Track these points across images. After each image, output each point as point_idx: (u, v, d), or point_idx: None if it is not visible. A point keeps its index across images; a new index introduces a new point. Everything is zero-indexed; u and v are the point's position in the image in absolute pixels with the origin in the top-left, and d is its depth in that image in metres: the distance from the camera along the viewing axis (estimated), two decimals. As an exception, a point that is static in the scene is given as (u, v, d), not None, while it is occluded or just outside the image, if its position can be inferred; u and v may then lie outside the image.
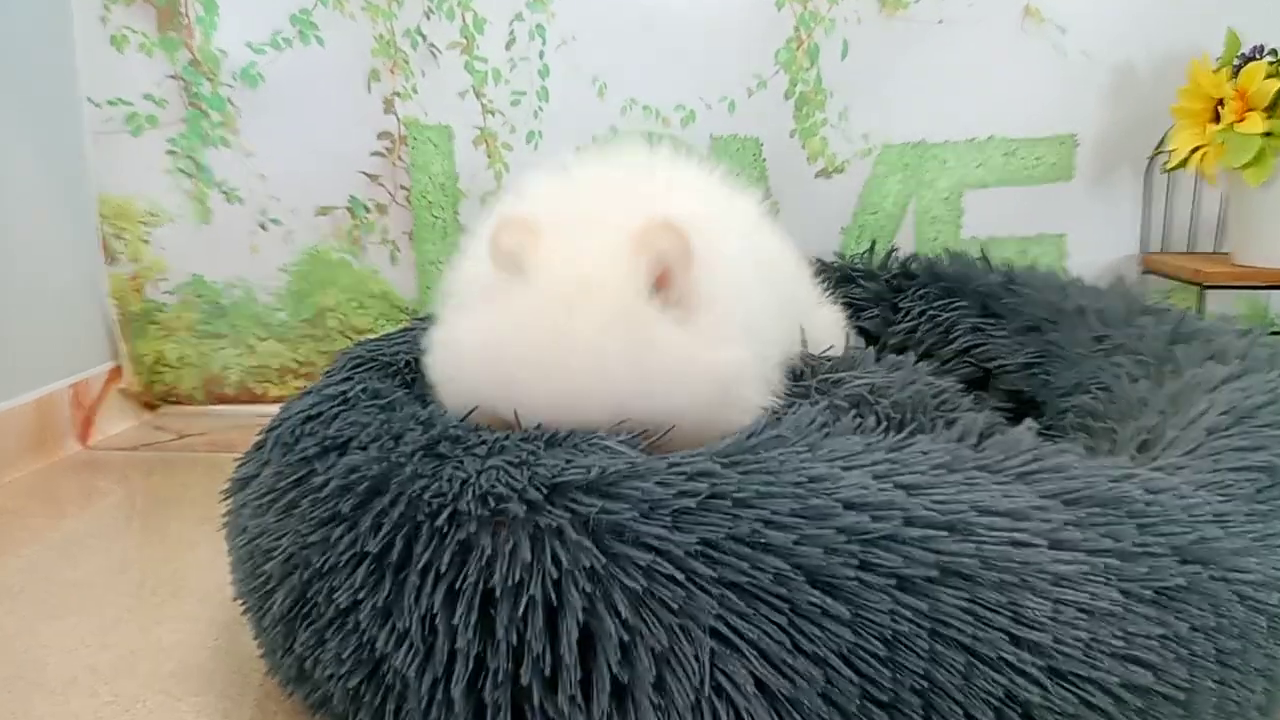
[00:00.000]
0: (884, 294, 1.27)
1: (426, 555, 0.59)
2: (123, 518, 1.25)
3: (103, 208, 1.61)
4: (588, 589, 0.55)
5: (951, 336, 1.18)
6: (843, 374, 0.82)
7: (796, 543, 0.55)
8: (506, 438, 0.66)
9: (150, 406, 1.70)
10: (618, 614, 0.55)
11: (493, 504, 0.59)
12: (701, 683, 0.54)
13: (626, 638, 0.55)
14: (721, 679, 0.54)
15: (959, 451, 0.64)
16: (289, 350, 1.67)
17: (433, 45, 1.56)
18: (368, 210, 1.62)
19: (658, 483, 0.58)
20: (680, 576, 0.55)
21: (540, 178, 0.84)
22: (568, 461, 0.61)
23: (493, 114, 1.58)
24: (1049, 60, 1.52)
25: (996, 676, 0.54)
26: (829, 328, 1.01)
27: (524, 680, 0.56)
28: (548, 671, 0.55)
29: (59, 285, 1.53)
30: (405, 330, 1.03)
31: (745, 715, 0.54)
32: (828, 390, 0.80)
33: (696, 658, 0.54)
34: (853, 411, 0.76)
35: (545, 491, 0.59)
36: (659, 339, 0.67)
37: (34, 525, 1.18)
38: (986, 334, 1.15)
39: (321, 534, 0.64)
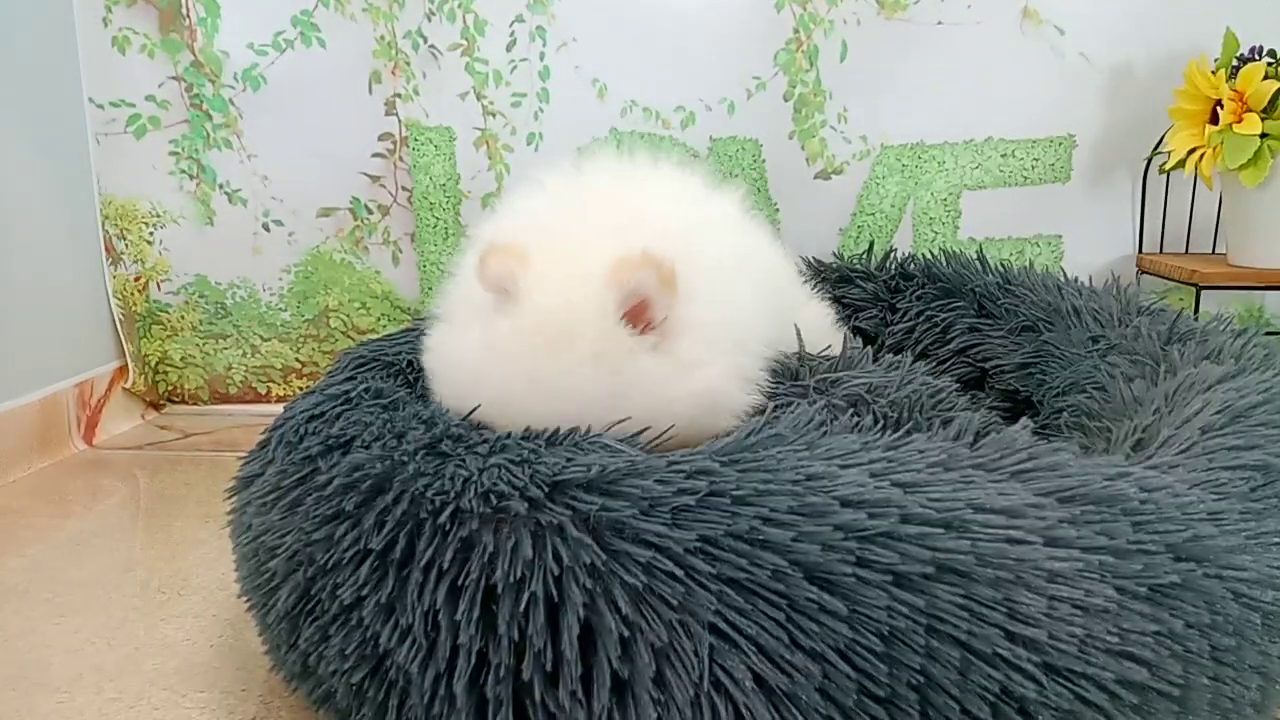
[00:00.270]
0: (881, 294, 1.28)
1: (429, 552, 0.60)
2: (127, 516, 1.25)
3: (106, 209, 1.62)
4: (588, 585, 0.56)
5: (948, 337, 1.19)
6: (840, 374, 0.83)
7: (794, 540, 0.56)
8: (508, 436, 0.67)
9: (154, 406, 1.71)
10: (618, 610, 0.55)
11: (494, 501, 0.60)
12: (700, 678, 0.54)
13: (626, 633, 0.55)
14: (720, 674, 0.54)
15: (955, 450, 0.65)
16: (292, 350, 1.68)
17: (434, 47, 1.57)
18: (370, 211, 1.63)
19: (657, 481, 0.59)
20: (679, 573, 0.56)
21: (521, 196, 0.87)
22: (568, 460, 0.62)
23: (493, 115, 1.59)
24: (1047, 62, 1.52)
25: (992, 672, 0.54)
26: (818, 323, 1.02)
27: (525, 675, 0.56)
28: (549, 667, 0.56)
29: (63, 285, 1.54)
30: (407, 330, 1.04)
31: (744, 710, 0.54)
32: (826, 390, 0.81)
33: (695, 653, 0.55)
34: (850, 410, 0.77)
35: (546, 489, 0.60)
36: (635, 373, 0.70)
37: (39, 524, 1.19)
38: (983, 334, 1.15)
39: (325, 531, 0.65)
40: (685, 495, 0.58)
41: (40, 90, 1.49)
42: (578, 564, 0.56)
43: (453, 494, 0.61)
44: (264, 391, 1.71)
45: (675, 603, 0.55)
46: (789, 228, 1.60)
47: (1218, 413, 0.76)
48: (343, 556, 0.63)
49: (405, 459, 0.65)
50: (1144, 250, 1.57)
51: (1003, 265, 1.22)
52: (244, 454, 0.83)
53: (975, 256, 1.24)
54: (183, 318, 1.67)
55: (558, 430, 0.67)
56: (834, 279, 1.31)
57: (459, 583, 0.58)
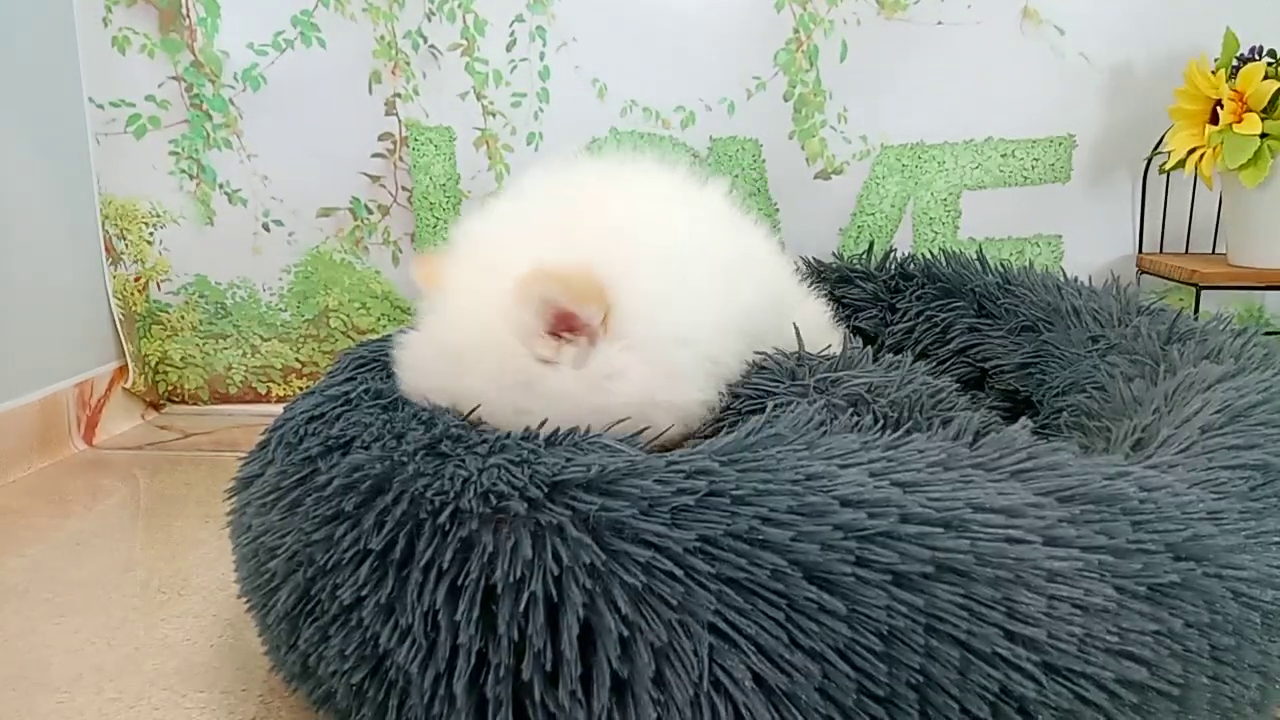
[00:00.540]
0: (881, 294, 1.28)
1: (429, 552, 0.60)
2: (127, 516, 1.25)
3: (106, 209, 1.62)
4: (588, 585, 0.56)
5: (948, 337, 1.19)
6: (840, 373, 0.83)
7: (794, 539, 0.56)
8: (507, 436, 0.67)
9: (154, 406, 1.71)
10: (617, 610, 0.55)
11: (494, 502, 0.60)
12: (700, 677, 0.54)
13: (626, 633, 0.55)
14: (720, 674, 0.54)
15: (954, 450, 0.65)
16: (292, 350, 1.68)
17: (434, 47, 1.57)
18: (370, 211, 1.63)
19: (656, 480, 0.59)
20: (679, 573, 0.56)
21: (502, 198, 0.89)
22: (568, 460, 0.62)
23: (493, 115, 1.59)
24: (1047, 62, 1.52)
25: (992, 671, 0.54)
26: (815, 321, 1.02)
27: (525, 675, 0.56)
28: (549, 667, 0.56)
29: (62, 285, 1.54)
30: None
31: (743, 710, 0.54)
32: (825, 389, 0.80)
33: (695, 653, 0.55)
34: (850, 410, 0.77)
35: (546, 489, 0.60)
36: (543, 387, 0.73)
37: (39, 524, 1.19)
38: (983, 334, 1.15)
39: (325, 532, 0.65)
40: (685, 495, 0.58)
41: (40, 90, 1.49)
42: (577, 564, 0.56)
43: (452, 494, 0.61)
44: (264, 391, 1.71)
45: (675, 602, 0.55)
46: (789, 228, 1.60)
47: (1217, 412, 0.76)
48: (342, 557, 0.63)
49: (405, 459, 0.65)
50: (1144, 250, 1.57)
51: (1003, 265, 1.22)
52: (244, 454, 0.83)
53: (975, 256, 1.24)
54: (183, 318, 1.68)
55: (557, 430, 0.67)
56: (834, 279, 1.30)
57: (459, 583, 0.58)
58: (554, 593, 0.56)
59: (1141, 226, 1.57)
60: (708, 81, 1.57)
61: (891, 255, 1.33)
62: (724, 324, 0.81)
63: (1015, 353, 1.11)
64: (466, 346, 0.74)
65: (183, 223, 1.64)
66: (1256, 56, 1.33)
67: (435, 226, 1.62)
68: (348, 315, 1.67)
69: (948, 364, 1.16)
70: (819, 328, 1.01)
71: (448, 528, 0.60)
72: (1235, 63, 1.34)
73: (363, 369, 0.90)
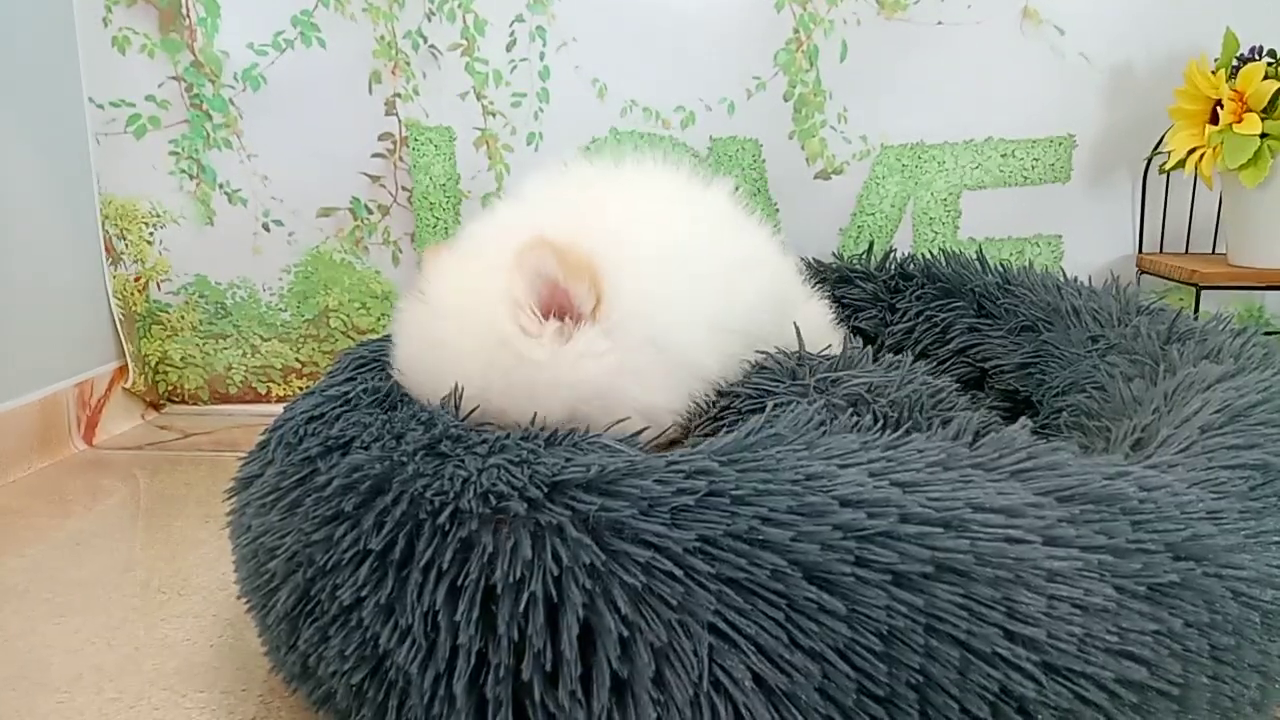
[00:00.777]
0: (881, 294, 1.28)
1: (428, 553, 0.60)
2: (127, 516, 1.25)
3: (106, 209, 1.62)
4: (588, 585, 0.56)
5: (948, 337, 1.19)
6: (840, 373, 0.83)
7: (793, 539, 0.56)
8: (507, 436, 0.67)
9: (154, 406, 1.71)
10: (617, 610, 0.55)
11: (494, 502, 0.60)
12: (700, 678, 0.54)
13: (626, 633, 0.55)
14: (720, 674, 0.54)
15: (954, 449, 0.65)
16: (292, 350, 1.68)
17: (434, 47, 1.57)
18: (370, 211, 1.63)
19: (656, 481, 0.59)
20: (679, 573, 0.56)
21: (500, 204, 0.93)
22: (567, 460, 0.62)
23: (493, 115, 1.59)
24: (1047, 62, 1.52)
25: (991, 671, 0.54)
26: (816, 322, 1.02)
27: (525, 676, 0.56)
28: (548, 667, 0.56)
29: (62, 285, 1.54)
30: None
31: (743, 710, 0.54)
32: (826, 389, 0.81)
33: (695, 653, 0.55)
34: (850, 410, 0.77)
35: (545, 489, 0.60)
36: (513, 344, 0.73)
37: (39, 524, 1.19)
38: (983, 334, 1.15)
39: (325, 532, 0.65)
40: (684, 495, 0.58)
41: (40, 90, 1.49)
42: (577, 564, 0.56)
43: (452, 494, 0.61)
44: (264, 391, 1.71)
45: (674, 603, 0.55)
46: (789, 228, 1.60)
47: (1217, 412, 0.76)
48: (342, 557, 0.63)
49: (404, 460, 0.65)
50: (1144, 250, 1.57)
51: (1002, 265, 1.22)
52: (244, 454, 0.83)
53: (975, 256, 1.24)
54: (183, 318, 1.68)
55: (556, 430, 0.67)
56: (834, 279, 1.31)
57: (458, 583, 0.58)
58: (554, 593, 0.56)
59: (1141, 226, 1.57)
60: (708, 81, 1.57)
61: (891, 255, 1.33)
62: (716, 326, 0.81)
63: (1015, 353, 1.11)
64: (452, 306, 0.76)
65: (183, 223, 1.64)
66: (1256, 56, 1.33)
67: (435, 226, 1.62)
68: (348, 315, 1.67)
69: (948, 364, 1.17)
70: (820, 329, 1.01)
71: (447, 528, 0.60)
72: (1235, 63, 1.34)
73: (363, 369, 0.90)
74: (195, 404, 1.72)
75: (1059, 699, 0.55)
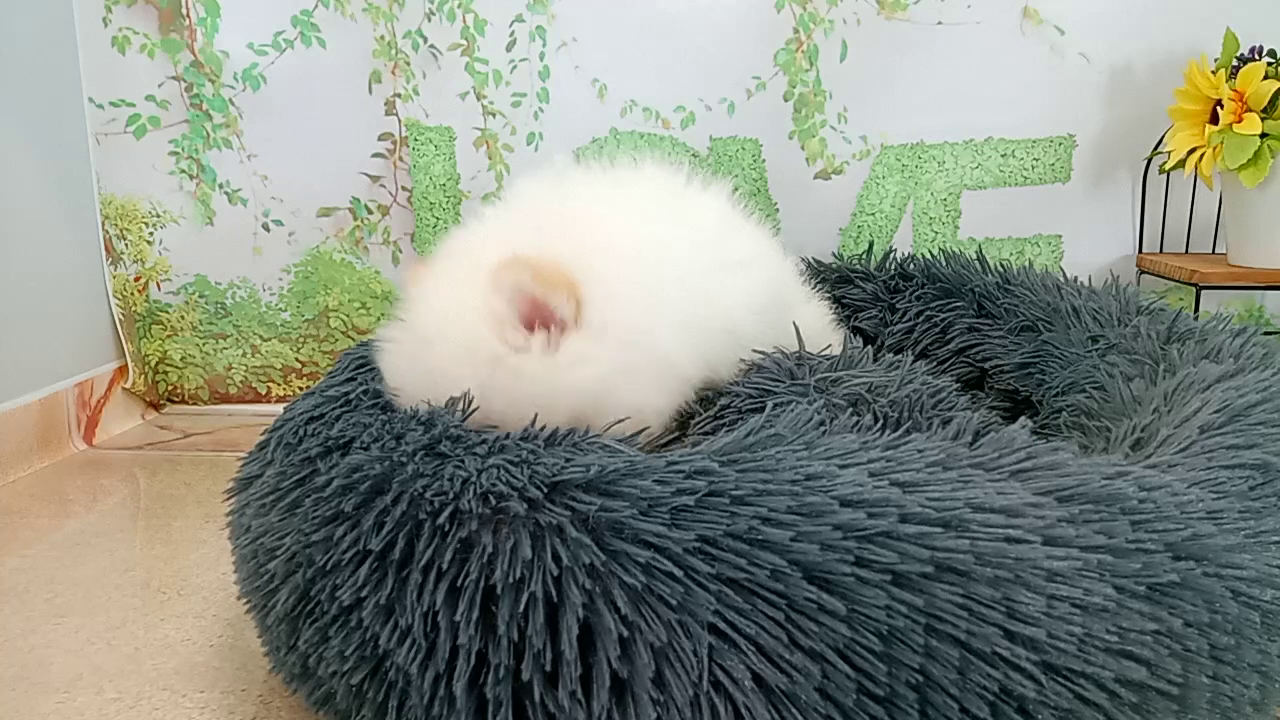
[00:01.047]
0: (881, 294, 1.28)
1: (428, 553, 0.60)
2: (127, 516, 1.25)
3: (106, 209, 1.62)
4: (588, 586, 0.56)
5: (948, 337, 1.19)
6: (840, 373, 0.83)
7: (793, 539, 0.56)
8: (506, 437, 0.67)
9: (154, 406, 1.71)
10: (617, 610, 0.55)
11: (493, 502, 0.60)
12: (700, 678, 0.54)
13: (626, 633, 0.55)
14: (720, 674, 0.54)
15: (954, 449, 0.65)
16: (292, 350, 1.68)
17: (434, 47, 1.57)
18: (370, 211, 1.63)
19: (656, 481, 0.59)
20: (679, 573, 0.56)
21: (486, 210, 0.90)
22: (567, 460, 0.62)
23: (493, 115, 1.59)
24: (1047, 62, 1.52)
25: (991, 671, 0.55)
26: (816, 324, 1.02)
27: (525, 676, 0.56)
28: (548, 667, 0.56)
29: (62, 286, 1.54)
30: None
31: (743, 710, 0.54)
32: (826, 389, 0.81)
33: (695, 653, 0.55)
34: (850, 410, 0.77)
35: (545, 490, 0.60)
36: (505, 362, 0.73)
37: (39, 524, 1.19)
38: (983, 334, 1.15)
39: (324, 533, 0.65)
40: (684, 495, 0.58)
41: (40, 90, 1.49)
42: (577, 564, 0.56)
43: (452, 495, 0.61)
44: (264, 391, 1.71)
45: (674, 603, 0.55)
46: (789, 228, 1.60)
47: (1216, 412, 0.76)
48: (342, 558, 0.63)
49: (404, 460, 0.65)
50: (1144, 250, 1.57)
51: (1002, 265, 1.22)
52: (244, 454, 0.84)
53: (975, 256, 1.24)
54: (183, 318, 1.68)
55: (556, 431, 0.67)
56: (834, 279, 1.30)
57: (458, 583, 0.58)
58: (554, 593, 0.56)
59: (1141, 226, 1.57)
60: (708, 81, 1.57)
61: (891, 255, 1.33)
62: (699, 327, 0.81)
63: (1015, 353, 1.11)
64: (437, 332, 0.75)
65: (183, 223, 1.64)
66: (1256, 56, 1.33)
67: (435, 226, 1.62)
68: (348, 315, 1.67)
69: (947, 364, 1.17)
70: (820, 331, 1.01)
71: (447, 528, 0.60)
72: (1235, 63, 1.34)
73: (363, 369, 0.90)
74: (195, 404, 1.72)
75: (1059, 699, 0.55)
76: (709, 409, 0.83)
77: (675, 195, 0.91)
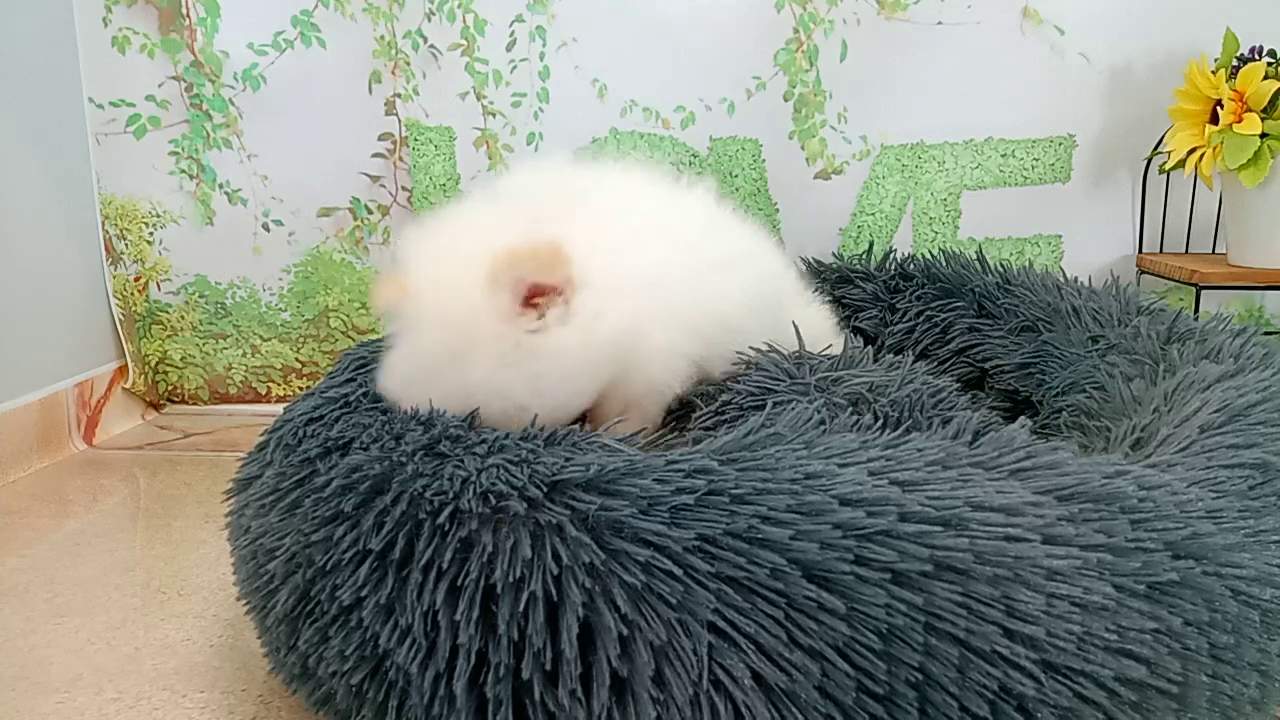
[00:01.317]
0: (881, 295, 1.28)
1: (428, 553, 0.60)
2: (127, 516, 1.25)
3: (106, 209, 1.62)
4: (587, 584, 0.56)
5: (948, 337, 1.19)
6: (841, 373, 0.83)
7: (793, 538, 0.56)
8: (506, 436, 0.67)
9: (155, 406, 1.71)
10: (617, 609, 0.55)
11: (493, 501, 0.60)
12: (700, 676, 0.54)
13: (626, 632, 0.55)
14: (719, 672, 0.54)
15: (953, 448, 0.65)
16: (292, 350, 1.68)
17: (434, 47, 1.57)
18: (370, 211, 1.63)
19: (656, 480, 0.59)
20: (678, 572, 0.56)
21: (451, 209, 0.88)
22: (567, 459, 0.62)
23: (493, 115, 1.59)
24: (1047, 62, 1.52)
25: (991, 669, 0.55)
26: (816, 331, 1.02)
27: (525, 675, 0.56)
28: (548, 666, 0.56)
29: (63, 286, 1.54)
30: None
31: (743, 708, 0.54)
32: (826, 388, 0.81)
33: (695, 652, 0.55)
34: (850, 409, 0.77)
35: (545, 489, 0.60)
36: (541, 348, 0.72)
37: (38, 524, 1.19)
38: (983, 334, 1.15)
39: (324, 533, 0.65)
40: (684, 494, 0.58)
41: (40, 90, 1.49)
42: (577, 563, 0.56)
43: (451, 494, 0.61)
44: (264, 391, 1.71)
45: (674, 601, 0.55)
46: (789, 227, 1.60)
47: (1216, 411, 0.76)
48: (342, 558, 0.63)
49: (404, 460, 0.65)
50: (1144, 250, 1.57)
51: (1002, 265, 1.22)
52: (244, 454, 0.84)
53: (975, 256, 1.24)
54: (183, 318, 1.68)
55: (555, 430, 0.67)
56: (834, 279, 1.30)
57: (458, 583, 0.58)
58: (553, 592, 0.56)
59: (1141, 226, 1.57)
60: (708, 81, 1.57)
61: (891, 255, 1.33)
62: (686, 314, 0.81)
63: (1015, 353, 1.11)
64: (458, 343, 0.74)
65: (183, 223, 1.64)
66: (1256, 56, 1.33)
67: (435, 226, 1.62)
68: (348, 315, 1.67)
69: (948, 364, 1.17)
70: (820, 337, 1.01)
71: (447, 528, 0.60)
72: (1235, 63, 1.34)
73: (363, 370, 0.90)
74: (195, 404, 1.72)
75: (1058, 697, 0.55)
76: (710, 404, 0.83)
77: (662, 190, 0.91)
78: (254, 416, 1.66)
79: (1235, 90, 1.32)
